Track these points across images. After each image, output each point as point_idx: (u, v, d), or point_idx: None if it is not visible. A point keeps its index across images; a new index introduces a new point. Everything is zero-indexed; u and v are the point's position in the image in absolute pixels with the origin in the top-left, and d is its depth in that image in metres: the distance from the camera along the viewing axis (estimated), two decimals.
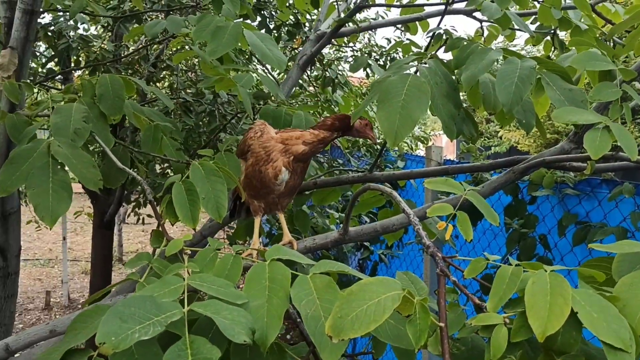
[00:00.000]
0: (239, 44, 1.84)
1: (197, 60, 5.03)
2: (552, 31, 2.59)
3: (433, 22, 3.09)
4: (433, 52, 1.61)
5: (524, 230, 2.74)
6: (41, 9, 2.04)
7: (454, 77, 1.56)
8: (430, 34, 1.93)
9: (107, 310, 1.05)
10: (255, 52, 1.73)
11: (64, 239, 7.61)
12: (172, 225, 1.33)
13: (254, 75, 2.21)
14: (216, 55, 1.68)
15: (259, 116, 1.98)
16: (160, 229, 1.28)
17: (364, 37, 5.59)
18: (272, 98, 2.34)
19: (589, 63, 1.37)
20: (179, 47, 2.48)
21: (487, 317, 0.92)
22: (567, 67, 1.62)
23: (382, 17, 5.14)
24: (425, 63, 1.51)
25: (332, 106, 3.76)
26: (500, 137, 14.04)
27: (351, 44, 5.35)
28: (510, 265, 0.98)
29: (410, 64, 1.56)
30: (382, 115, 1.35)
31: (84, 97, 1.75)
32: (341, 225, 3.07)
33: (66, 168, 1.46)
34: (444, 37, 1.85)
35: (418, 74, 1.45)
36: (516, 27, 2.44)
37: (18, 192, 2.16)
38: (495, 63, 1.54)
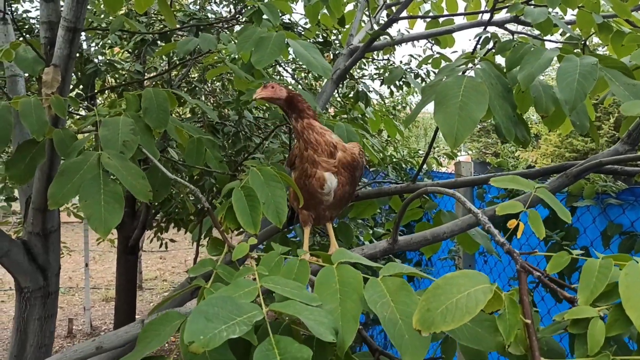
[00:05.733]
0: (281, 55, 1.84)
1: (218, 82, 5.07)
2: (584, 41, 2.58)
3: (457, 36, 3.10)
4: (483, 55, 1.59)
5: (565, 243, 2.67)
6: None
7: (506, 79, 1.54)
8: (476, 39, 1.92)
9: (176, 315, 1.03)
10: (301, 60, 1.72)
11: (87, 265, 7.60)
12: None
13: None
14: (262, 65, 1.67)
15: None
16: (221, 236, 1.25)
17: (379, 55, 5.57)
18: None
19: None
20: (213, 63, 2.48)
21: (581, 310, 0.88)
22: None
23: (402, 35, 5.15)
24: (477, 65, 1.49)
25: (358, 121, 3.73)
26: (517, 157, 13.96)
27: (372, 61, 5.36)
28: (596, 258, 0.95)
29: (461, 66, 1.55)
30: (440, 118, 1.32)
31: (128, 111, 1.75)
32: (375, 241, 3.03)
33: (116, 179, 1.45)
34: (492, 41, 1.83)
35: (473, 74, 1.43)
36: (550, 36, 2.42)
37: (58, 211, 2.15)
38: None
